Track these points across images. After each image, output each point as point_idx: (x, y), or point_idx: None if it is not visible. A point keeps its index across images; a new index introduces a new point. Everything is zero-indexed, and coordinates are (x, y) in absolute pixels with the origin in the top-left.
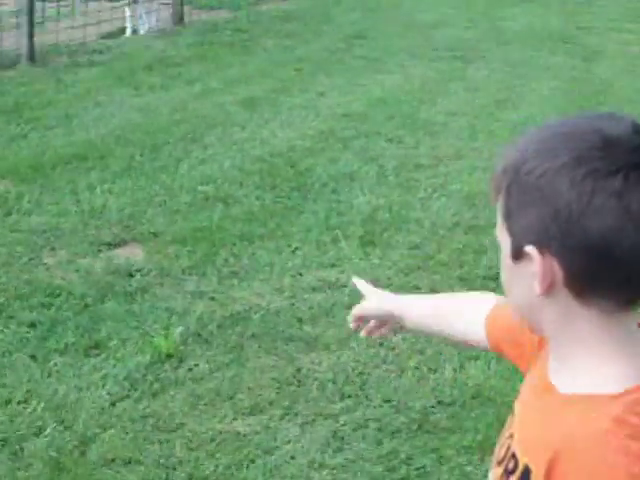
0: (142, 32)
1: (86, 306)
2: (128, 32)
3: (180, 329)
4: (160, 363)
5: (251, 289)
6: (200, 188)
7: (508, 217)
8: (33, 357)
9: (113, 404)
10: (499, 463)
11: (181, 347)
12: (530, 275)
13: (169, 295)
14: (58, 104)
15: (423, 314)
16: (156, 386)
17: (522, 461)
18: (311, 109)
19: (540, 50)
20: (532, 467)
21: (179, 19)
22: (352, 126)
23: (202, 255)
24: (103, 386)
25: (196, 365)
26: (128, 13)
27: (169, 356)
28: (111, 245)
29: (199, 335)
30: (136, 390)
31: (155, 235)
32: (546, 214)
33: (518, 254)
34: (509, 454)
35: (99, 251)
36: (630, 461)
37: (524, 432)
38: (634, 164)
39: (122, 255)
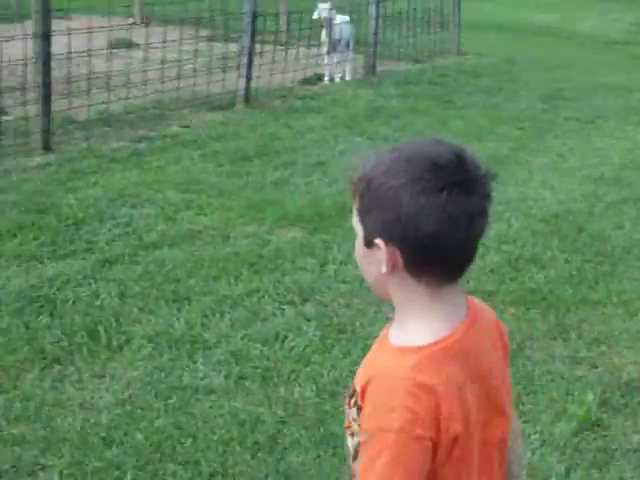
0: (337, 80)
1: None
2: (326, 79)
3: (591, 396)
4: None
5: (624, 356)
6: (504, 248)
7: (362, 216)
8: None
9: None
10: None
11: (600, 415)
12: (379, 259)
13: (544, 359)
14: (302, 150)
15: None
16: (600, 457)
17: (355, 387)
18: (562, 171)
19: None
20: (357, 389)
21: (371, 69)
22: (614, 190)
23: (554, 318)
24: (545, 454)
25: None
26: (327, 61)
27: (595, 424)
28: None
29: (608, 404)
30: (582, 459)
31: (489, 294)
32: (391, 218)
33: (370, 244)
34: (352, 387)
35: None
36: (406, 392)
37: (359, 369)
38: (454, 183)
39: None
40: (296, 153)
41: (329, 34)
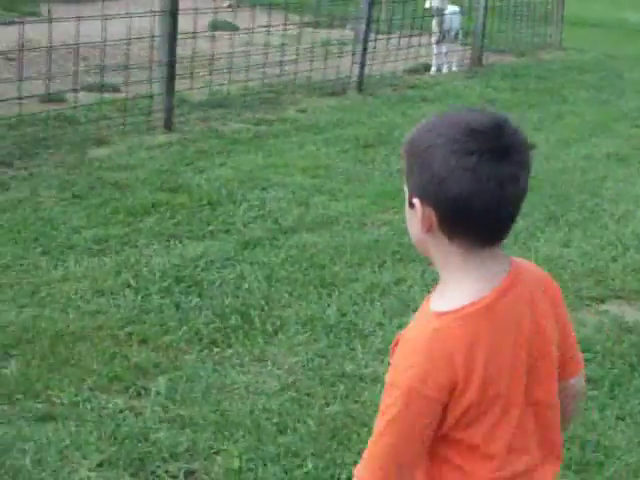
0: (445, 71)
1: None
2: (433, 70)
3: None
4: None
5: None
6: None
7: (406, 176)
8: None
9: None
10: None
11: None
12: (418, 219)
13: None
14: None
15: None
16: None
17: None
18: None
19: None
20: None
21: (478, 61)
22: None
23: None
24: None
25: None
26: (435, 51)
27: None
28: (596, 299)
29: None
30: None
31: (636, 293)
32: (425, 177)
33: (410, 203)
34: None
35: (587, 305)
36: (424, 353)
37: None
38: (487, 148)
39: (615, 312)
40: None
41: (440, 24)
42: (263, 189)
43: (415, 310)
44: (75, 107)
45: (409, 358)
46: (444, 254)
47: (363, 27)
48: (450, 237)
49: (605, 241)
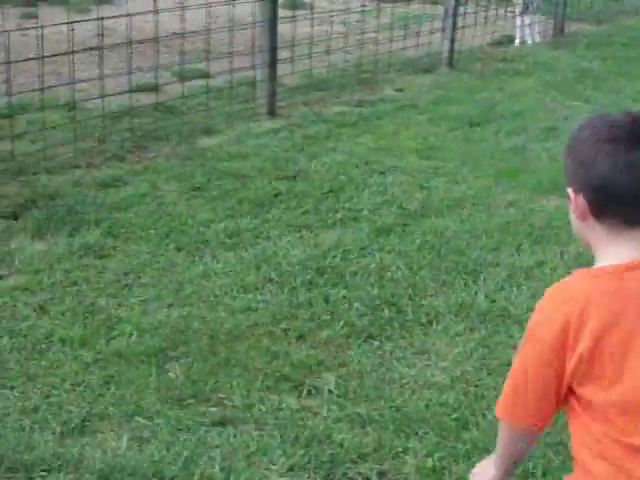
0: (529, 42)
1: None
2: (517, 42)
3: None
4: None
5: None
6: None
7: (564, 169)
8: None
9: None
10: None
11: None
12: (572, 208)
13: None
14: (528, 114)
15: None
16: None
17: None
18: None
19: None
20: None
21: (560, 31)
22: None
23: None
24: None
25: None
26: (519, 23)
27: None
28: None
29: None
30: None
31: None
32: (576, 168)
33: (567, 194)
34: None
35: None
36: (548, 300)
37: None
38: (622, 138)
39: None
40: (523, 118)
41: None
42: (381, 173)
43: None
44: (184, 97)
45: (539, 306)
46: (597, 238)
47: (452, 2)
48: (600, 219)
49: None
